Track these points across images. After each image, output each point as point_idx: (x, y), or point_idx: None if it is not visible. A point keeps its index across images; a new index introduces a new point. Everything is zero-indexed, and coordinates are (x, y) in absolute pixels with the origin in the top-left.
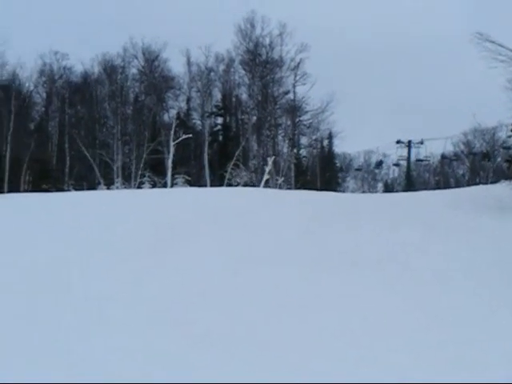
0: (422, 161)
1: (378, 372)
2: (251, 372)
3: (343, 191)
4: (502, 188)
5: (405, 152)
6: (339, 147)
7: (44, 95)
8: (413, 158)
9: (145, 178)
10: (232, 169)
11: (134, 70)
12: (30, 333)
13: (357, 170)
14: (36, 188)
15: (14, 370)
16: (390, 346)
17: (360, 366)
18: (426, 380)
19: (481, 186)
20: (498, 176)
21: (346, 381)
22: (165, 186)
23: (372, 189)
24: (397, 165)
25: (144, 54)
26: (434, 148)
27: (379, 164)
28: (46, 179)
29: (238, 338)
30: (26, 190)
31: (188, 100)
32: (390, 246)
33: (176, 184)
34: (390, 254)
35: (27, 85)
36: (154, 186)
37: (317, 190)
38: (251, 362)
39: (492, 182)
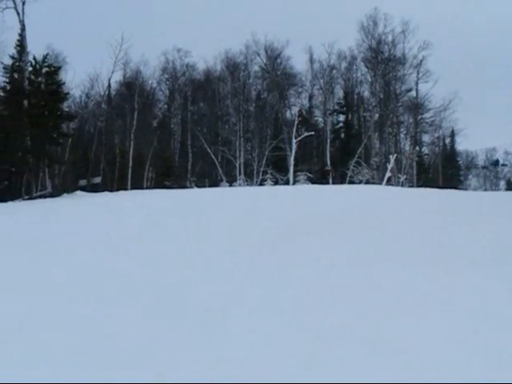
0: None
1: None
2: (375, 372)
3: (465, 189)
4: None
5: None
6: (461, 145)
7: (167, 92)
8: None
9: (267, 175)
10: (354, 166)
11: (257, 68)
12: (153, 330)
13: (483, 168)
14: (158, 185)
15: (149, 367)
16: None
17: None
18: None
19: None
20: None
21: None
22: (287, 183)
23: (494, 187)
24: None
25: (266, 51)
26: None
27: (496, 163)
28: (168, 176)
29: (362, 336)
30: (148, 187)
31: (310, 97)
32: None
33: (298, 181)
34: None
35: (150, 82)
36: (276, 183)
37: (439, 187)
38: (377, 361)
39: None
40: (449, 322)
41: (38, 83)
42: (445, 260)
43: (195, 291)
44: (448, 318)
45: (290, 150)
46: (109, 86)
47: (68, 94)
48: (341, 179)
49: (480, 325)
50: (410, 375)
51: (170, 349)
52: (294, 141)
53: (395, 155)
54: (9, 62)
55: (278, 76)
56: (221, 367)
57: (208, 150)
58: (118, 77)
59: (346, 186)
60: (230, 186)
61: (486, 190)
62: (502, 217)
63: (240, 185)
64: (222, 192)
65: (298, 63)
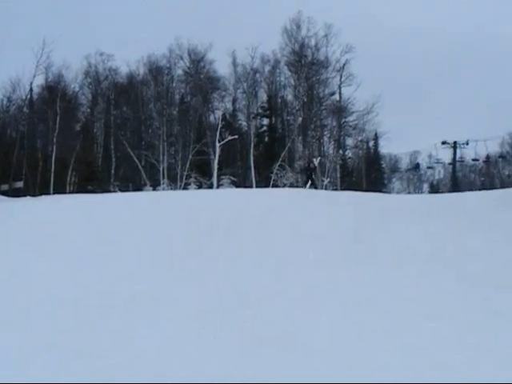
0: (476, 160)
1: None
2: (300, 372)
3: (389, 192)
4: None
5: (450, 153)
6: (385, 148)
7: (89, 96)
8: (459, 158)
9: (191, 179)
10: (278, 170)
11: (180, 71)
12: (75, 332)
13: (407, 171)
14: (81, 189)
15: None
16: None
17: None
18: None
19: None
20: None
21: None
22: (211, 187)
23: (417, 190)
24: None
25: (190, 54)
26: (480, 149)
27: (416, 166)
28: (91, 180)
29: (286, 338)
30: (71, 192)
31: (234, 101)
32: (439, 248)
33: (222, 185)
34: (439, 255)
35: (73, 86)
36: (199, 187)
37: (362, 191)
38: (301, 363)
39: None
40: (371, 320)
41: None
42: (366, 260)
43: (120, 292)
44: (370, 317)
45: (214, 153)
46: (31, 90)
47: None
48: (265, 183)
49: (401, 323)
50: (327, 375)
51: (94, 350)
52: (217, 144)
53: (319, 158)
54: None
55: (202, 80)
56: (139, 368)
57: (131, 154)
58: (39, 81)
59: (269, 190)
60: (154, 190)
61: (409, 192)
62: (423, 219)
63: (164, 189)
64: (145, 196)
65: (222, 67)
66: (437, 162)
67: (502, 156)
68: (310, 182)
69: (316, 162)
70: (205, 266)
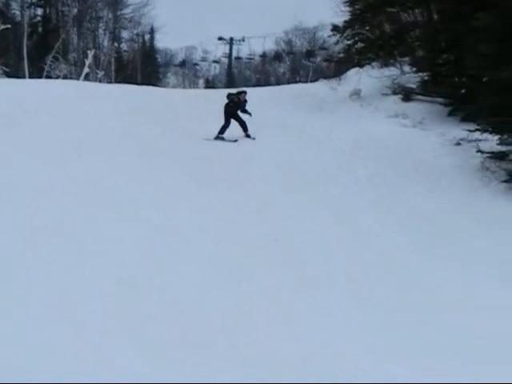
0: (250, 59)
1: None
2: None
3: (164, 86)
4: (321, 86)
5: (226, 49)
6: (161, 42)
7: None
8: (235, 55)
9: None
10: (51, 61)
11: None
12: None
13: (181, 65)
14: None
15: None
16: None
17: None
18: None
19: (300, 85)
20: (317, 75)
21: None
22: None
23: (193, 85)
24: (216, 62)
25: None
26: (256, 46)
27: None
28: None
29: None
30: None
31: None
32: (210, 147)
33: None
34: (210, 154)
35: None
36: None
37: (137, 84)
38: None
39: (312, 81)
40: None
41: None
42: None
43: None
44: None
45: None
46: None
47: None
48: (38, 74)
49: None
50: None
51: None
52: None
53: (93, 51)
54: None
55: None
56: None
57: None
58: None
59: (43, 80)
60: None
61: (184, 87)
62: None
63: None
64: None
65: None
66: (216, 62)
67: (277, 53)
68: None
69: (90, 54)
70: None
